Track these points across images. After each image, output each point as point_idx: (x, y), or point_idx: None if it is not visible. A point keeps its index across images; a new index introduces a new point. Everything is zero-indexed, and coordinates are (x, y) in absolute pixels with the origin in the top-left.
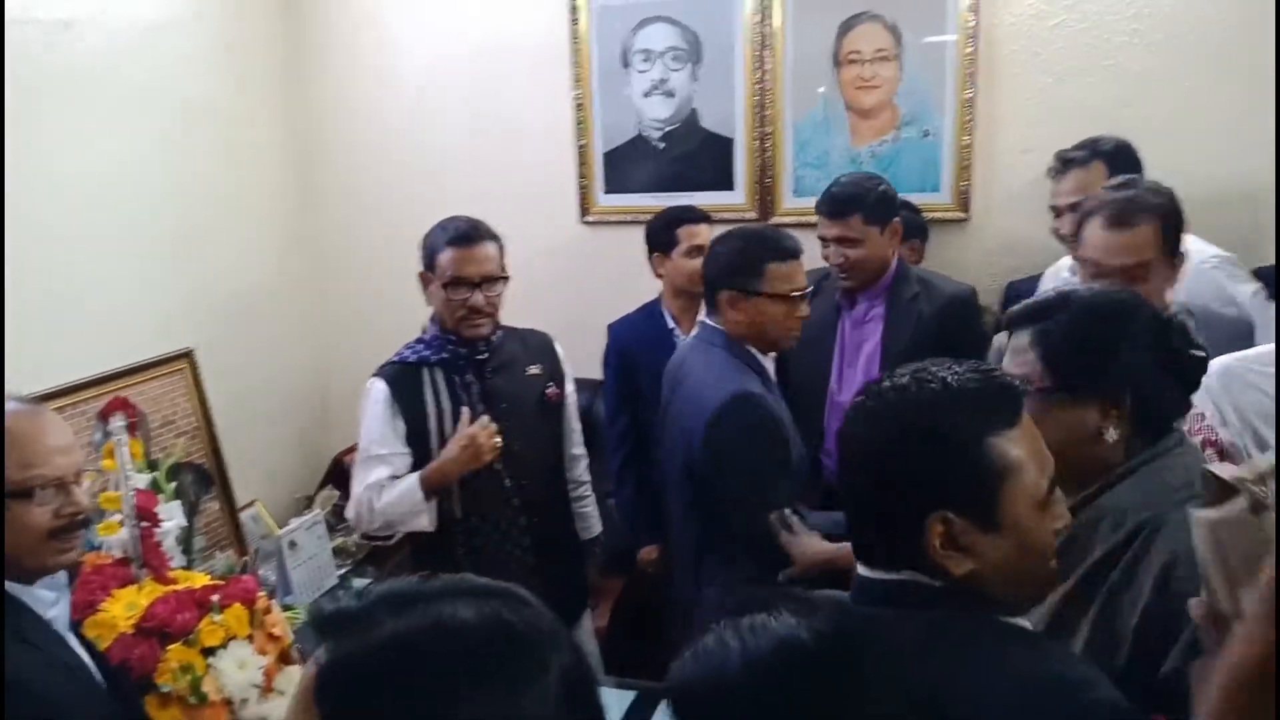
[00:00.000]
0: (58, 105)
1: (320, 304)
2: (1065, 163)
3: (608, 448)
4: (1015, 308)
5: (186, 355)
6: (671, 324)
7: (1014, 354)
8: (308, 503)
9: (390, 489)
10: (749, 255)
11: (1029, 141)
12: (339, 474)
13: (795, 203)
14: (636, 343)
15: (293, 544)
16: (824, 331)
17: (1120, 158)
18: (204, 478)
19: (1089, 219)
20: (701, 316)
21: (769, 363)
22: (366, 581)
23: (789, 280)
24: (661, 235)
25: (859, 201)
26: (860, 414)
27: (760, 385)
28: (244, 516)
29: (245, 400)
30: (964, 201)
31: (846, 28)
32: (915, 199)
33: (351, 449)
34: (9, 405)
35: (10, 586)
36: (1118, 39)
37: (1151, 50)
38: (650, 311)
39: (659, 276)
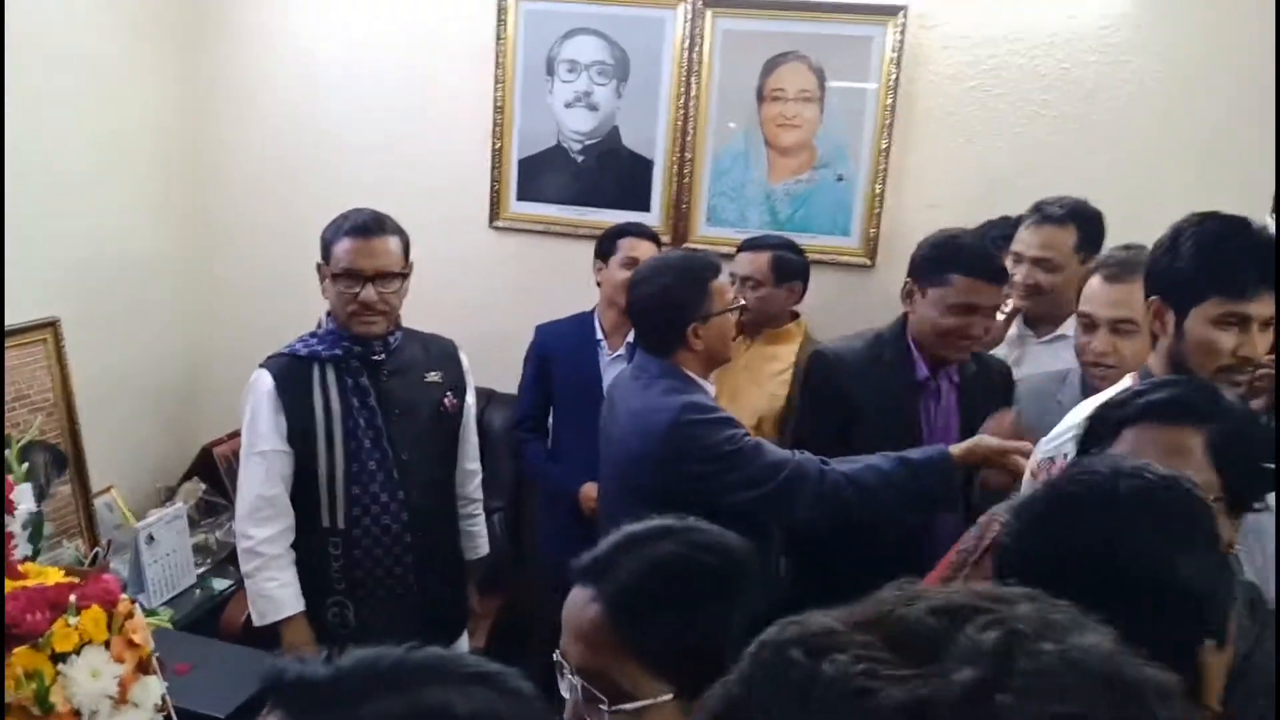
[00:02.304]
0: None
1: (202, 283)
2: (1044, 216)
3: (515, 425)
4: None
5: (51, 325)
6: (600, 335)
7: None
8: (170, 494)
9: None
10: (693, 282)
11: (936, 196)
12: (207, 465)
13: (709, 230)
14: (560, 348)
15: (151, 538)
16: (900, 402)
17: (1094, 229)
18: (58, 459)
19: (1092, 274)
20: (632, 340)
21: (711, 389)
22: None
23: (727, 293)
24: (605, 243)
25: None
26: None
27: (705, 400)
28: (98, 504)
29: (110, 378)
30: (871, 248)
31: (773, 65)
32: (825, 241)
33: (221, 440)
34: None
35: None
36: (1029, 108)
37: (1061, 123)
38: (582, 320)
39: (598, 285)
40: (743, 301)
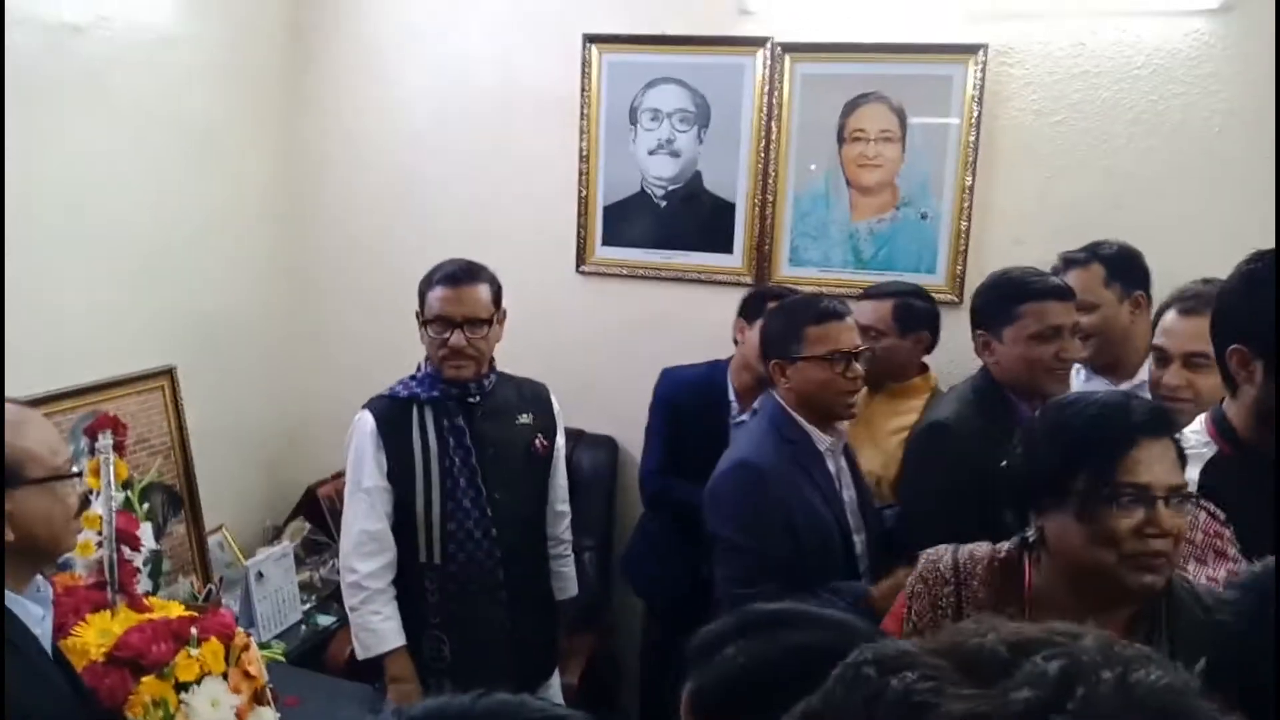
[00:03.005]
0: (57, 110)
1: (304, 333)
2: (1067, 263)
3: (652, 472)
4: None
5: (168, 373)
6: (732, 396)
7: None
8: (276, 533)
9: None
10: (788, 322)
11: (1022, 232)
12: (311, 505)
13: (791, 270)
14: (689, 399)
15: (260, 575)
16: None
17: (1120, 262)
18: (174, 499)
19: (1166, 308)
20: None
21: (825, 438)
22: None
23: (826, 342)
24: (752, 304)
25: None
26: None
27: (783, 457)
28: (210, 542)
29: (220, 423)
30: (958, 286)
31: (853, 106)
32: (910, 279)
33: (324, 481)
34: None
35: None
36: (1115, 141)
37: (1147, 155)
38: (713, 370)
39: (736, 343)
40: (855, 350)
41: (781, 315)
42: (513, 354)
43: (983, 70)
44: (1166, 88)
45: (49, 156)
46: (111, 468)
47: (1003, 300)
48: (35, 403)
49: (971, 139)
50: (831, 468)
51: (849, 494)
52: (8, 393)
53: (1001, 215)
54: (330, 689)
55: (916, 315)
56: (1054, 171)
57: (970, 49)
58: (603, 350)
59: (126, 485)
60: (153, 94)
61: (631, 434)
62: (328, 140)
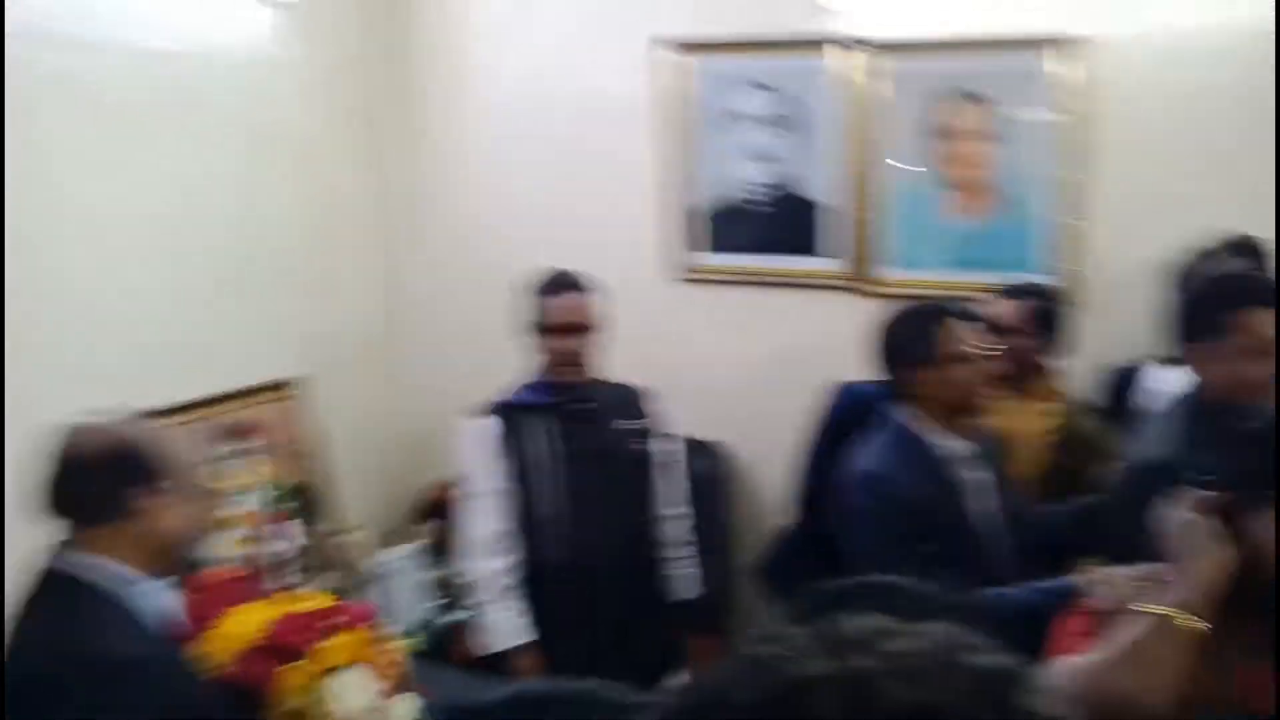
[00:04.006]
0: (174, 133)
1: (425, 340)
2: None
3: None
4: None
5: (302, 381)
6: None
7: None
8: (406, 533)
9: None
10: (918, 326)
11: (1132, 228)
12: (438, 507)
13: (891, 273)
14: (866, 415)
15: (390, 573)
16: None
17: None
18: (310, 501)
19: None
20: None
21: (956, 444)
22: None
23: (959, 341)
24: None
25: None
26: None
27: (910, 465)
28: (345, 541)
29: (351, 429)
30: (1071, 285)
31: (948, 102)
32: (1014, 279)
33: (449, 483)
34: (138, 421)
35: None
36: (1231, 135)
37: (1260, 147)
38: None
39: None
40: (985, 350)
41: (909, 320)
42: (616, 360)
43: (1086, 62)
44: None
45: (174, 179)
46: (261, 469)
47: (1214, 306)
48: (177, 410)
49: (1077, 134)
50: (966, 476)
51: (990, 502)
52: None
53: (1106, 213)
54: (458, 683)
55: (1053, 317)
56: (1164, 164)
57: (1073, 41)
58: (706, 356)
59: (277, 487)
60: (255, 117)
61: (737, 439)
62: (424, 160)
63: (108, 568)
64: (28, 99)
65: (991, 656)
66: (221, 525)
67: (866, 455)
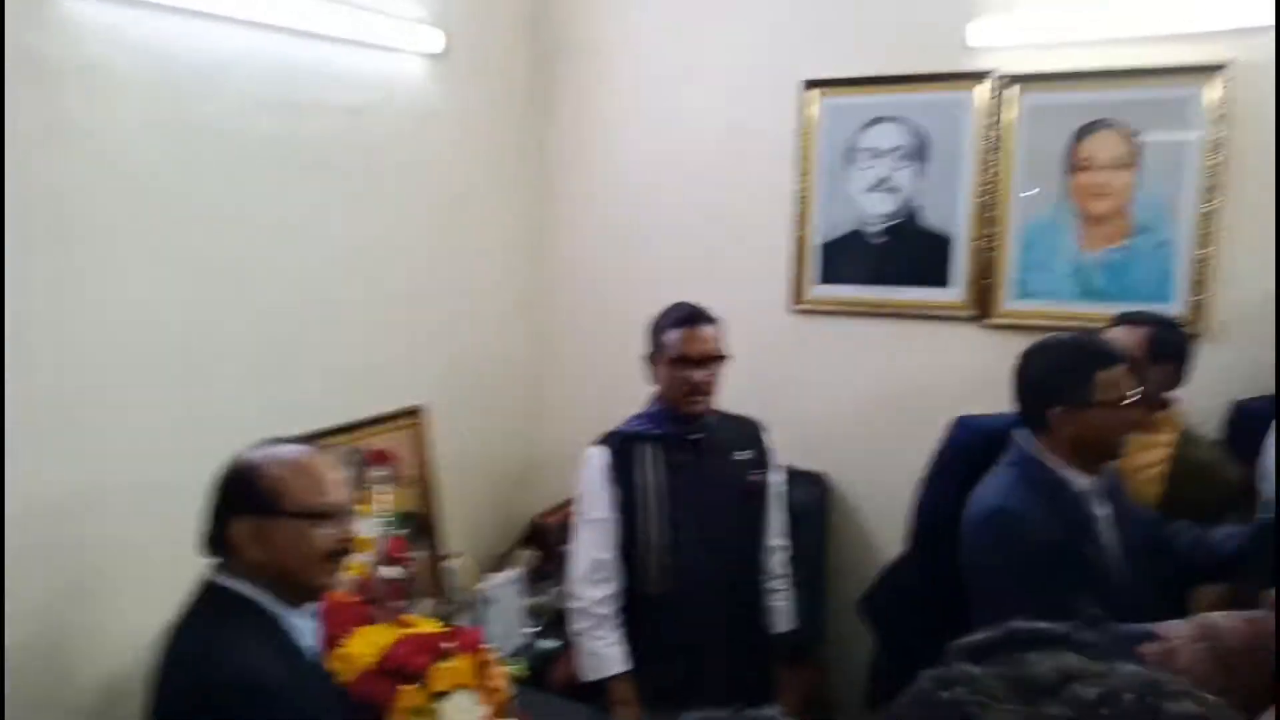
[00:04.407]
0: (341, 181)
1: (535, 374)
2: None
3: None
4: None
5: (417, 411)
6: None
7: None
8: (505, 560)
9: (597, 634)
10: (1075, 366)
11: (1269, 259)
12: (538, 535)
13: (1015, 304)
14: (989, 450)
15: (491, 599)
16: None
17: None
18: (420, 527)
19: None
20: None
21: (1086, 479)
22: None
23: (1118, 386)
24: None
25: None
26: None
27: (1039, 502)
28: (446, 566)
29: (459, 457)
30: (1198, 316)
31: (1082, 134)
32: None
33: (550, 512)
34: (299, 446)
35: (280, 611)
36: None
37: None
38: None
39: None
40: (1134, 396)
41: (1062, 358)
42: (729, 391)
43: (1225, 89)
44: None
45: (330, 223)
46: (388, 496)
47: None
48: (310, 439)
49: (1214, 162)
50: (1097, 511)
51: (1115, 536)
52: (292, 431)
53: (1245, 241)
54: (556, 709)
55: (1169, 345)
56: None
57: (1211, 68)
58: (817, 387)
59: (395, 513)
60: (414, 164)
61: (843, 471)
62: (563, 197)
63: (255, 590)
64: (246, 157)
65: (1184, 702)
66: (357, 550)
67: (997, 490)
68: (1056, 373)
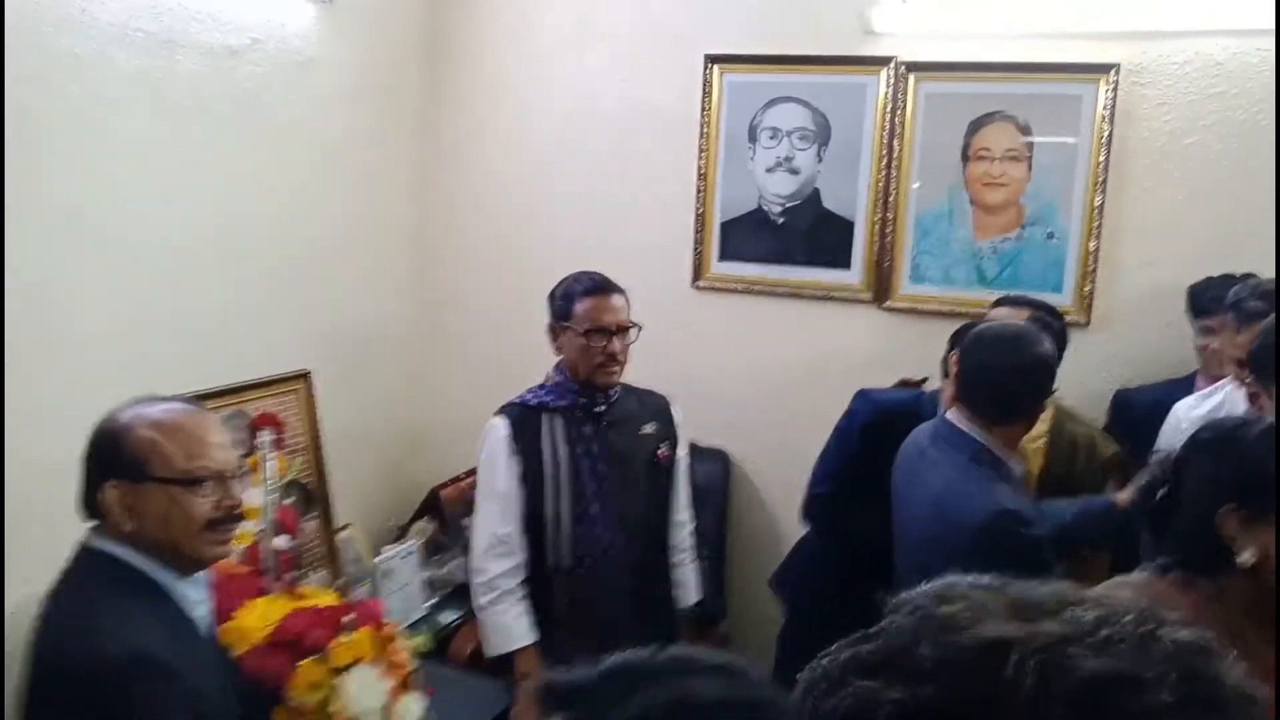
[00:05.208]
0: (213, 128)
1: (431, 341)
2: (1246, 315)
3: (809, 504)
4: None
5: (304, 376)
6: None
7: None
8: (401, 532)
9: (501, 608)
10: (1039, 382)
11: (1154, 254)
12: (434, 506)
13: (911, 288)
14: (888, 425)
15: (387, 572)
16: None
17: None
18: (308, 497)
19: None
20: (948, 414)
21: (1021, 467)
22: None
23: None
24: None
25: None
26: None
27: (1015, 498)
28: (339, 539)
29: (351, 425)
30: (1086, 306)
31: (978, 125)
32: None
33: (447, 483)
34: (175, 405)
35: (163, 579)
36: (1253, 164)
37: None
38: (918, 400)
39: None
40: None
41: (1035, 366)
42: (632, 366)
43: (1114, 90)
44: None
45: (207, 172)
46: (274, 463)
47: None
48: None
49: (1101, 159)
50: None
51: None
52: (164, 388)
53: (1132, 236)
54: (460, 682)
55: (1049, 331)
56: (1188, 194)
57: (1102, 68)
58: (718, 364)
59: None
60: (296, 114)
61: (744, 447)
62: (456, 158)
63: (136, 556)
64: (105, 96)
65: (1182, 629)
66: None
67: (980, 488)
68: (1032, 379)
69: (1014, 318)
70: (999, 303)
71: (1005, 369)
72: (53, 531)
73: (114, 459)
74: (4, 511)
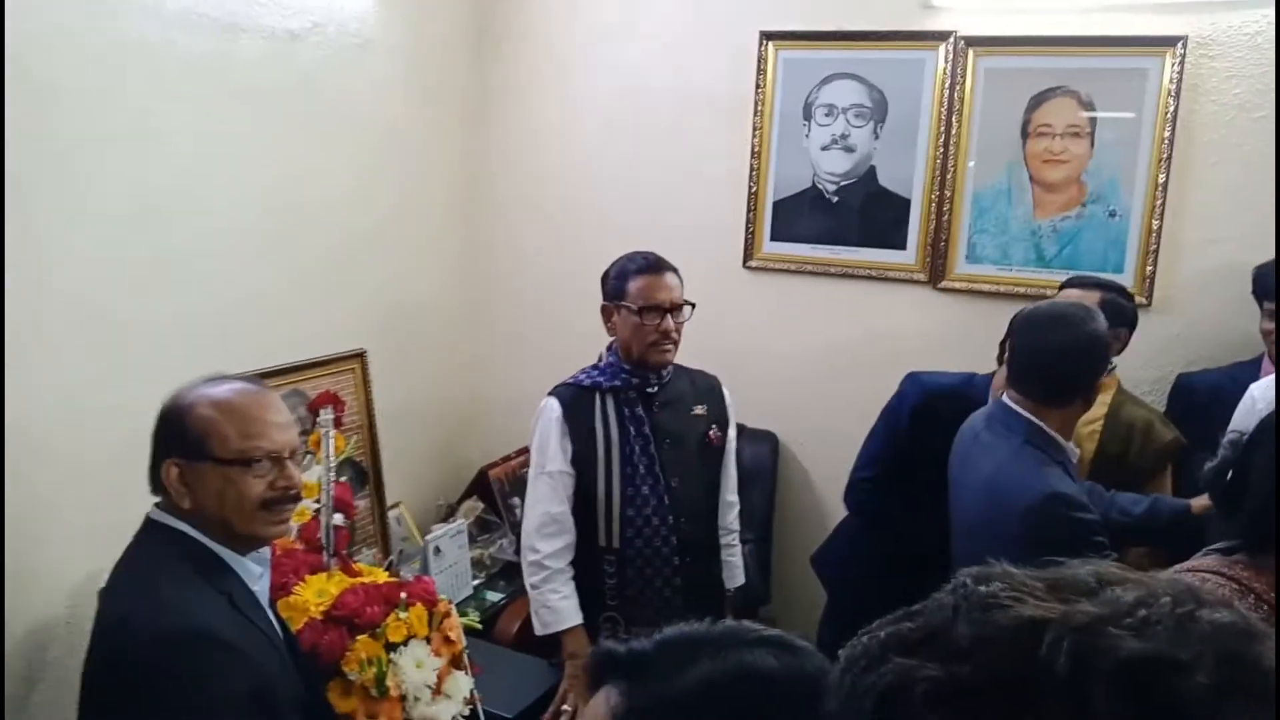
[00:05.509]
0: (274, 113)
1: (483, 322)
2: None
3: (851, 488)
4: None
5: (359, 356)
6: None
7: None
8: (449, 511)
9: (551, 587)
10: (1096, 358)
11: (1219, 232)
12: (483, 486)
13: (967, 268)
14: (939, 410)
15: (437, 550)
16: None
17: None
18: (361, 475)
19: None
20: (1003, 397)
21: (1076, 452)
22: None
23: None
24: None
25: None
26: None
27: (1068, 482)
28: (390, 517)
29: (403, 405)
30: (1148, 286)
31: (1039, 100)
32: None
33: (496, 463)
34: (238, 384)
35: (224, 553)
36: None
37: None
38: (970, 383)
39: (1001, 362)
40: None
41: (1091, 345)
42: (683, 346)
43: (1180, 63)
44: None
45: (263, 155)
46: (332, 441)
47: None
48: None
49: (1167, 134)
50: None
51: None
52: (224, 369)
53: (1197, 214)
54: (508, 661)
55: (1124, 313)
56: (1256, 169)
57: (1168, 41)
58: (768, 345)
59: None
60: (354, 97)
61: (793, 429)
62: (509, 140)
63: (196, 531)
64: (169, 80)
65: (1223, 611)
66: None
67: (1035, 473)
68: (1083, 359)
69: (1084, 300)
70: (1067, 284)
71: (1055, 349)
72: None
73: (175, 437)
74: (4, 507)
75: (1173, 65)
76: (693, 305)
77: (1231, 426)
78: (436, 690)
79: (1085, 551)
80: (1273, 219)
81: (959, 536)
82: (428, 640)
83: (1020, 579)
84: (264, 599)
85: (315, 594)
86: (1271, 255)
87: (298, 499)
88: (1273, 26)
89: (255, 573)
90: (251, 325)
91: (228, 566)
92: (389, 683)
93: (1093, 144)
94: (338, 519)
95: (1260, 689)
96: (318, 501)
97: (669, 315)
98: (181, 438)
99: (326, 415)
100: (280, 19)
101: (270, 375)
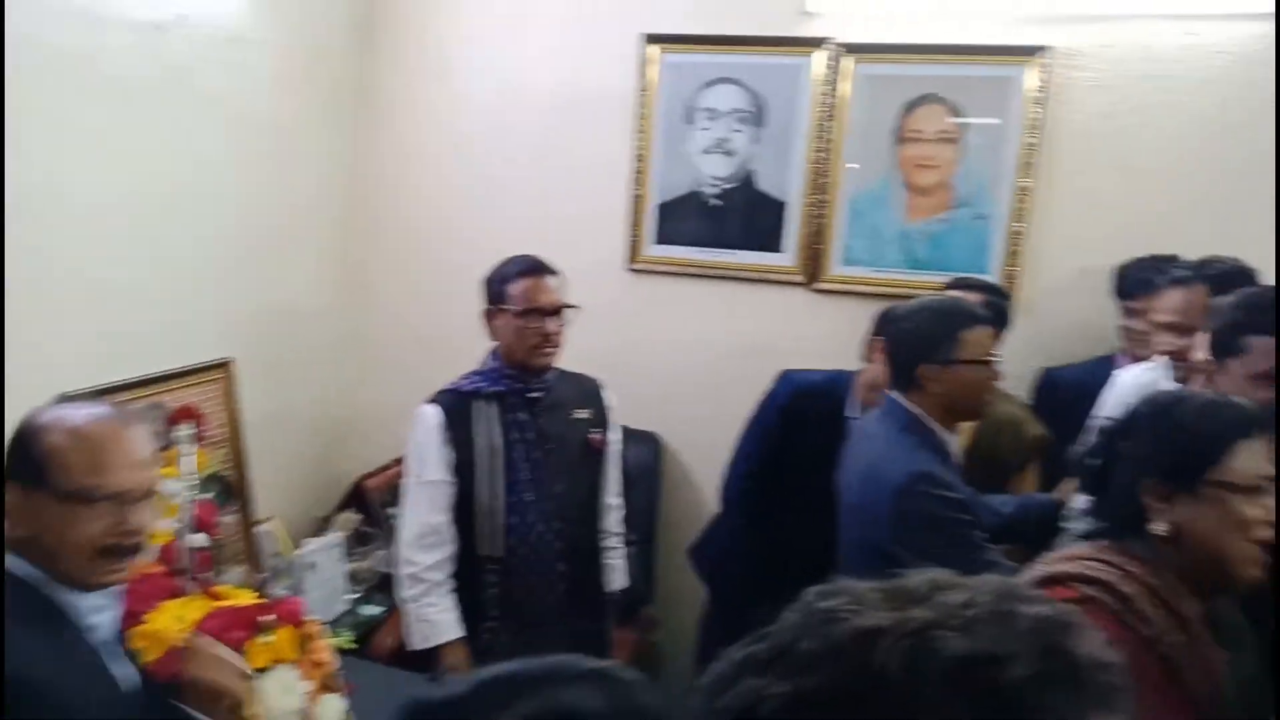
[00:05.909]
0: (138, 106)
1: (356, 328)
2: (1172, 280)
3: (727, 485)
4: None
5: (224, 365)
6: (853, 412)
7: None
8: (323, 524)
9: (429, 601)
10: (941, 326)
11: (1081, 236)
12: (359, 497)
13: (843, 270)
14: (808, 407)
15: (311, 565)
16: None
17: (1227, 281)
18: (228, 489)
19: None
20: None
21: (955, 440)
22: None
23: (980, 346)
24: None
25: None
26: None
27: (939, 465)
28: (259, 532)
29: (273, 416)
30: (1011, 287)
31: (911, 107)
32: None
33: (372, 473)
34: (98, 411)
35: (51, 589)
36: (1184, 148)
37: (1216, 161)
38: (837, 381)
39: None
40: (996, 358)
41: (931, 317)
42: (565, 349)
43: (1045, 72)
44: (1236, 92)
45: (127, 152)
46: (193, 459)
47: (1240, 326)
48: (99, 394)
49: (1031, 141)
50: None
51: None
52: (75, 384)
53: (1061, 219)
54: (384, 678)
55: (1000, 313)
56: (1118, 176)
57: (1033, 50)
58: (650, 347)
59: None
60: (224, 91)
61: (676, 430)
62: (389, 140)
63: (24, 566)
64: (29, 72)
65: (1042, 605)
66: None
67: (904, 455)
68: (926, 330)
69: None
70: (951, 285)
71: (898, 329)
72: None
73: (20, 460)
74: None
75: (1037, 74)
76: (575, 308)
77: (1103, 413)
78: (307, 715)
79: (951, 528)
80: (1130, 225)
81: (844, 523)
82: (295, 664)
83: (860, 592)
84: (106, 633)
85: (173, 620)
86: (1128, 258)
87: (138, 550)
88: (1129, 39)
89: (86, 608)
90: (111, 327)
91: (55, 605)
92: (250, 711)
93: (962, 150)
94: (199, 539)
95: (1078, 676)
96: (176, 522)
97: (550, 318)
98: (24, 461)
99: (185, 431)
100: (145, 10)
101: (131, 387)
